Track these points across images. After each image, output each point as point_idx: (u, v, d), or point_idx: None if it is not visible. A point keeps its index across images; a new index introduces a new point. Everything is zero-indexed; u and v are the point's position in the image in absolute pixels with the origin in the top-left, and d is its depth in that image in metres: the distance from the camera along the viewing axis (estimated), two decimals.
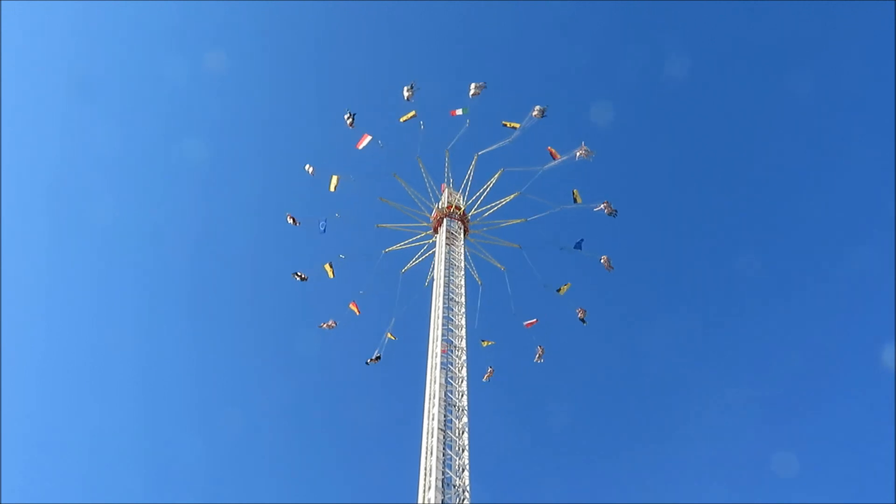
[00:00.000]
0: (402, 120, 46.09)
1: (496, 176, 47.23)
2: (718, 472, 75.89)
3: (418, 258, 48.11)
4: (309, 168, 47.35)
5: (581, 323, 46.06)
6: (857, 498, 73.00)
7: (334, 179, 47.23)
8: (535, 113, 44.25)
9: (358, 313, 47.84)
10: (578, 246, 45.39)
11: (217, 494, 78.45)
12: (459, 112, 46.02)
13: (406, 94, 45.41)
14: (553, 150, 44.63)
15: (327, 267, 47.76)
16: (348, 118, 46.28)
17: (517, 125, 45.34)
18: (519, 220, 47.41)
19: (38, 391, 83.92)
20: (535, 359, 46.33)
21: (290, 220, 48.03)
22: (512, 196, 47.14)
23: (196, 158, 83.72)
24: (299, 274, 47.91)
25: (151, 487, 78.95)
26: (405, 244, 48.49)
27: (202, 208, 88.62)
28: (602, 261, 45.47)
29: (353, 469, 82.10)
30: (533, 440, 79.20)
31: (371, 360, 46.20)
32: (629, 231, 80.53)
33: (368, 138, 46.47)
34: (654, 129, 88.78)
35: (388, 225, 48.45)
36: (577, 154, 43.69)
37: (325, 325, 48.03)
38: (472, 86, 44.80)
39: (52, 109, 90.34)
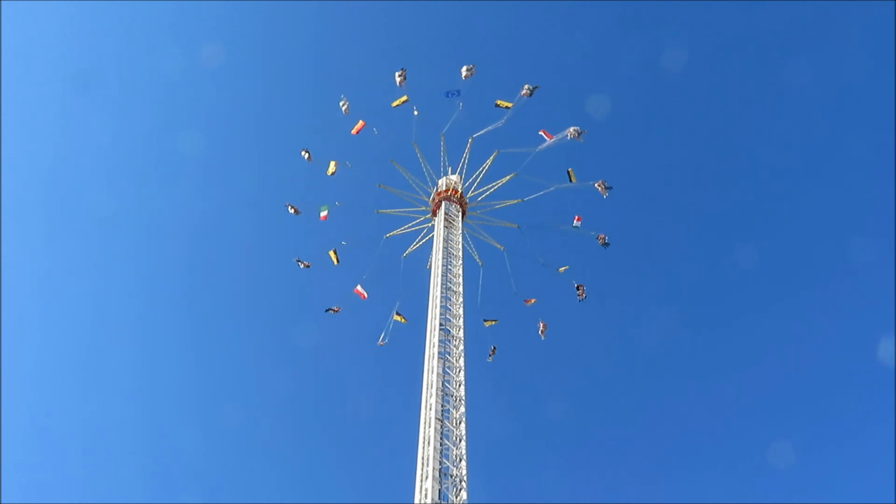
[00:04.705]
0: (393, 105, 46.44)
1: (491, 158, 47.62)
2: (715, 464, 77.71)
3: (419, 242, 48.71)
4: (305, 154, 47.83)
5: (579, 300, 46.75)
6: (856, 490, 74.36)
7: (332, 165, 47.89)
8: (524, 92, 44.40)
9: (364, 297, 48.48)
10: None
11: (216, 487, 79.33)
12: (504, 104, 46.06)
13: (398, 79, 45.69)
14: (545, 132, 44.85)
15: (331, 254, 48.43)
16: (343, 104, 46.69)
17: (510, 104, 45.53)
18: (515, 201, 47.77)
19: (36, 385, 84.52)
20: (539, 333, 47.27)
21: (291, 210, 48.62)
22: (508, 177, 47.49)
23: (193, 151, 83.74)
24: (301, 261, 48.68)
25: (150, 482, 79.66)
26: (405, 228, 49.04)
27: (199, 201, 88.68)
28: (598, 239, 45.95)
29: (351, 459, 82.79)
30: (530, 430, 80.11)
31: (331, 309, 47.47)
32: (627, 223, 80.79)
33: (363, 124, 46.90)
34: (650, 120, 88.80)
35: (388, 210, 49.11)
36: (569, 134, 43.85)
37: (332, 310, 48.86)
38: (464, 68, 44.98)
39: (48, 102, 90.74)
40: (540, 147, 45.60)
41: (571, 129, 44.08)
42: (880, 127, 75.11)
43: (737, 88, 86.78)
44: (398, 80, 45.69)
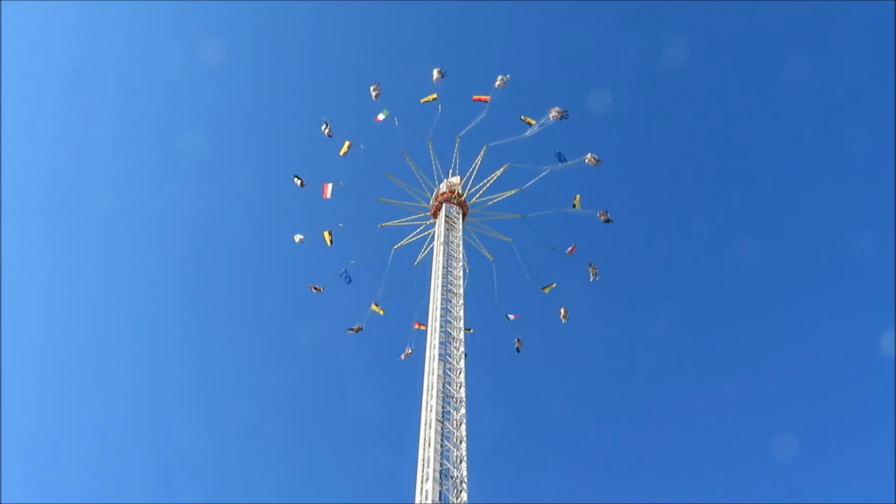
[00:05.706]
0: (377, 119, 46.60)
1: (481, 153, 47.39)
2: (717, 462, 75.94)
3: (427, 248, 48.51)
4: (297, 180, 48.09)
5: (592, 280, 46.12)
6: (856, 488, 72.39)
7: (327, 187, 48.01)
8: (497, 83, 44.03)
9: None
10: (561, 158, 44.54)
11: (216, 487, 78.59)
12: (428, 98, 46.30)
13: (373, 94, 45.87)
14: (527, 118, 44.47)
15: (326, 234, 47.93)
16: (325, 128, 46.96)
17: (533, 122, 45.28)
18: (514, 191, 47.23)
19: (36, 385, 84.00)
20: (562, 318, 46.69)
21: (298, 182, 48.04)
22: (502, 168, 47.21)
23: (193, 150, 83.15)
24: (315, 286, 48.82)
25: (150, 482, 78.87)
26: (411, 237, 49.01)
27: (200, 200, 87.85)
28: (590, 269, 45.36)
29: (351, 460, 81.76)
30: (530, 431, 78.72)
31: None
32: (627, 220, 79.07)
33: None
34: (652, 116, 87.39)
35: (391, 223, 49.13)
36: (551, 115, 43.20)
37: (352, 330, 48.62)
38: (435, 72, 44.91)
39: (48, 101, 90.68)
40: (526, 133, 45.16)
41: (553, 110, 43.37)
42: (881, 124, 73.82)
43: (738, 85, 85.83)
44: (373, 94, 45.82)
